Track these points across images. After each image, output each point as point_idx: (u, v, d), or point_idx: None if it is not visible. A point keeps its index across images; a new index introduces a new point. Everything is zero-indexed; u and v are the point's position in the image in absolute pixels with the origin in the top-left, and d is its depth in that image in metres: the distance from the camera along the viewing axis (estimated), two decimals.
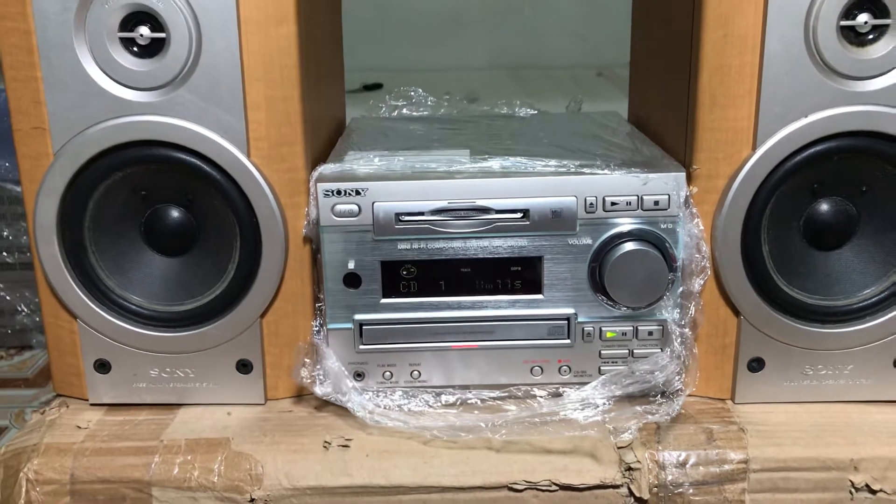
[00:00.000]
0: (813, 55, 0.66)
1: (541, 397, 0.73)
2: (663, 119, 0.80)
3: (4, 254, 1.90)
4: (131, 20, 0.67)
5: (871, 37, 0.66)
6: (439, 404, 0.73)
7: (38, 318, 1.94)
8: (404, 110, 1.05)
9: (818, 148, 0.68)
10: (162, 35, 0.67)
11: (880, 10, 0.65)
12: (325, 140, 0.83)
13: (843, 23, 0.65)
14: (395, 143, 0.83)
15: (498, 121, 0.94)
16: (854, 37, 0.66)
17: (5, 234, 1.91)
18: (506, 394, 0.74)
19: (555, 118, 0.95)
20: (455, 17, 2.49)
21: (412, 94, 1.07)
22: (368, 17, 2.42)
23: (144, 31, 0.67)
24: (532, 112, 0.99)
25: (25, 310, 1.95)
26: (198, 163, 0.69)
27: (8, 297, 1.95)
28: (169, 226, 0.73)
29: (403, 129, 0.90)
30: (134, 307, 0.74)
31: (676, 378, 0.70)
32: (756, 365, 0.73)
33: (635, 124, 0.91)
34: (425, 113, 1.03)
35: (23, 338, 1.95)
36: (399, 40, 2.47)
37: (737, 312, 0.72)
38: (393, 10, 2.46)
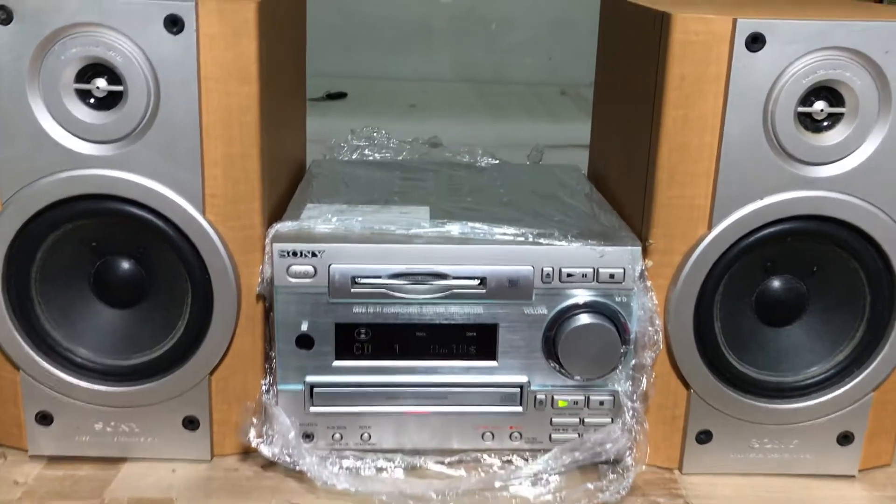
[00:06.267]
0: (770, 139, 0.67)
1: (492, 465, 0.73)
2: (622, 185, 0.80)
3: None
4: (88, 72, 0.66)
5: (826, 124, 0.67)
6: (391, 466, 0.73)
7: None
8: (366, 150, 1.05)
9: (772, 229, 0.69)
10: (119, 88, 0.66)
11: (836, 99, 0.66)
12: (285, 188, 0.82)
13: (801, 109, 0.66)
14: (355, 195, 0.82)
15: (459, 171, 0.93)
16: (810, 123, 0.67)
17: None
18: (456, 458, 0.74)
19: (515, 171, 0.96)
20: (423, 28, 2.48)
21: (375, 134, 1.07)
22: (334, 22, 2.38)
23: (101, 83, 0.66)
24: (493, 162, 0.99)
25: None
26: (151, 218, 0.68)
27: None
28: (119, 277, 0.71)
29: (364, 177, 0.89)
30: (80, 360, 0.72)
31: (627, 452, 0.70)
32: (704, 437, 0.74)
33: (594, 181, 0.92)
34: (387, 155, 1.03)
35: None
36: (365, 48, 2.45)
37: (687, 386, 0.73)
38: (360, 16, 2.43)
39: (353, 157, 1.02)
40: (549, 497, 0.67)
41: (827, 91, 0.66)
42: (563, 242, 0.70)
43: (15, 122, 0.66)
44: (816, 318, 0.73)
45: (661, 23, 0.67)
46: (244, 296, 0.71)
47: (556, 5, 2.44)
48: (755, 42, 0.64)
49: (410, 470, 0.73)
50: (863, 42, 0.64)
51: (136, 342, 0.72)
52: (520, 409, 0.73)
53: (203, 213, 0.68)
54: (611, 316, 0.70)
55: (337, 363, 0.71)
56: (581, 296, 0.70)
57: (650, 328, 0.70)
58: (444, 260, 0.70)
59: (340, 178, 0.88)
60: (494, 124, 2.02)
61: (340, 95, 2.15)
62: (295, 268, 0.69)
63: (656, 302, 0.71)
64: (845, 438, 0.74)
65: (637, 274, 0.70)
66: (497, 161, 0.99)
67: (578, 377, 0.72)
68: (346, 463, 0.72)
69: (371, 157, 1.02)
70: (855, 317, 0.72)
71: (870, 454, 0.75)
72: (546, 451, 0.73)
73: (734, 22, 0.64)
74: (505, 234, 0.71)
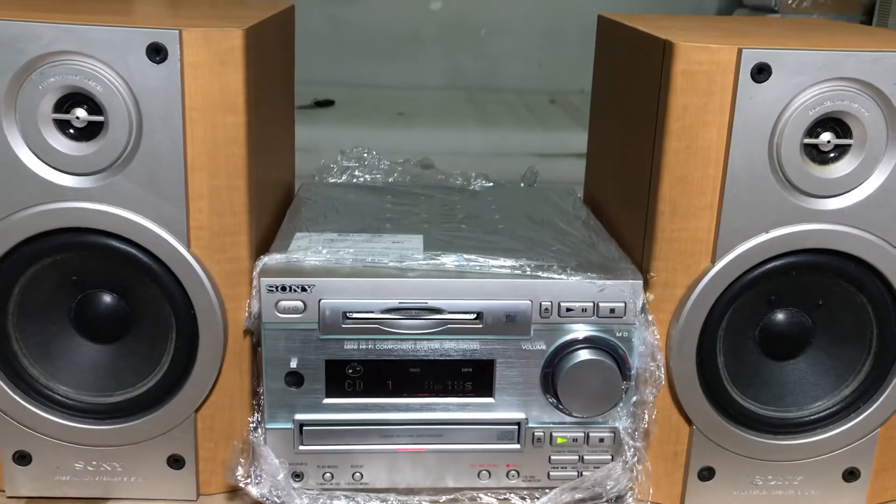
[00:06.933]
0: (776, 171, 0.65)
1: None
2: (621, 213, 0.78)
3: None
4: (67, 101, 0.63)
5: (833, 155, 0.65)
6: None
7: None
8: (356, 172, 1.02)
9: (778, 263, 0.66)
10: (100, 118, 0.63)
11: (843, 130, 0.64)
12: (273, 215, 0.80)
13: (807, 140, 0.64)
14: (346, 222, 0.79)
15: (452, 195, 0.91)
16: (817, 155, 0.65)
17: None
18: (451, 497, 0.71)
19: (509, 194, 0.93)
20: (412, 35, 2.45)
21: (365, 155, 1.04)
22: (322, 29, 2.35)
23: (81, 113, 0.63)
24: (486, 184, 0.96)
25: None
26: (133, 252, 0.65)
27: None
28: (101, 312, 0.68)
29: (354, 202, 0.87)
30: (59, 397, 0.69)
31: (629, 493, 0.68)
32: (706, 474, 0.72)
33: (591, 205, 0.90)
34: (378, 177, 1.00)
35: None
36: (353, 55, 2.42)
37: (689, 422, 0.70)
38: (348, 23, 2.41)
39: (343, 178, 0.99)
40: None
41: (834, 122, 0.64)
42: (562, 276, 0.68)
43: None
44: (822, 352, 0.71)
45: (662, 51, 0.64)
46: (231, 331, 0.69)
47: (546, 13, 2.42)
48: (761, 73, 0.62)
49: None
50: (872, 73, 0.62)
51: (118, 379, 0.69)
52: (517, 446, 0.71)
53: (188, 246, 0.66)
54: (611, 351, 0.68)
55: (328, 401, 0.69)
56: (581, 331, 0.68)
57: (652, 363, 0.68)
58: (438, 294, 0.67)
59: (330, 204, 0.85)
60: (484, 132, 1.99)
61: (328, 103, 2.11)
62: (283, 303, 0.67)
63: (658, 336, 0.68)
64: (851, 474, 0.72)
65: (638, 308, 0.68)
66: (491, 184, 0.96)
67: (578, 414, 0.69)
68: (337, 503, 0.70)
69: (362, 179, 0.99)
70: (861, 351, 0.70)
71: (876, 490, 0.73)
72: (544, 489, 0.71)
73: (739, 52, 0.62)
74: (502, 266, 0.69)
